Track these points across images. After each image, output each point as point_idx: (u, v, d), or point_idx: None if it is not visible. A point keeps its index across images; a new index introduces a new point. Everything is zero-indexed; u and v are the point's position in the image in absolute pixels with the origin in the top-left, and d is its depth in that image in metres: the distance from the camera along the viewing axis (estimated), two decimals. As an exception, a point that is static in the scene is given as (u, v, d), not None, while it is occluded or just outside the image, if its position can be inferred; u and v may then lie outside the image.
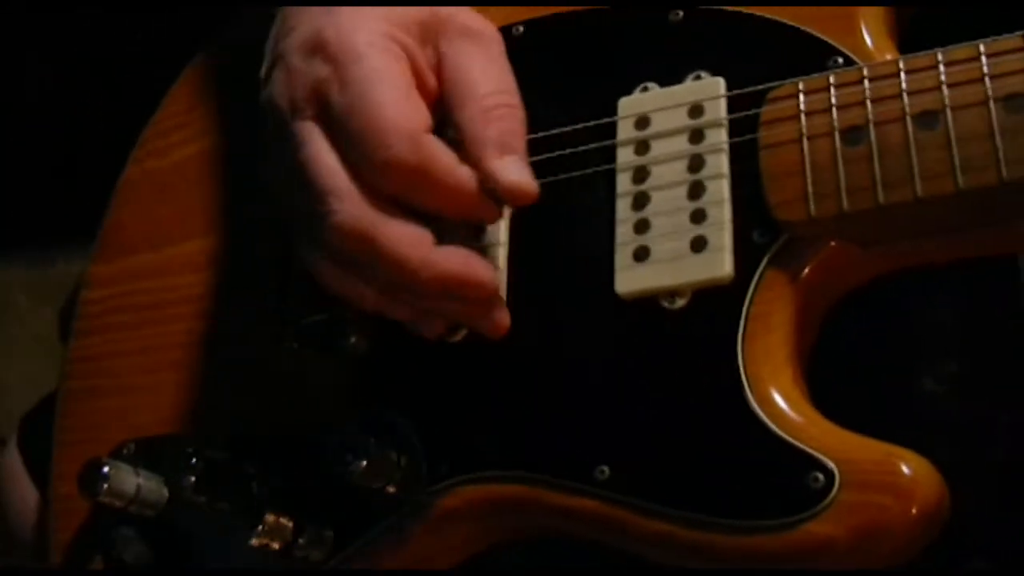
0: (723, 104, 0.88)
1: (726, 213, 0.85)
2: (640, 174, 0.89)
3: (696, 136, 0.88)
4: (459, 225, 0.90)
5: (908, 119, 0.81)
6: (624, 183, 0.89)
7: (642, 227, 0.87)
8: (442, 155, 0.87)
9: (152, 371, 1.03)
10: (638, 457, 0.83)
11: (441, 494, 0.88)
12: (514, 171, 0.87)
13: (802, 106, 0.85)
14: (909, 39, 0.88)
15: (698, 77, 0.90)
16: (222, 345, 1.01)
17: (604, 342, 0.87)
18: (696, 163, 0.87)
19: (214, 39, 1.13)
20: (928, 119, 0.81)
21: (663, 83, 0.91)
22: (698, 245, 0.85)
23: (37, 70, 1.92)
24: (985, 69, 0.80)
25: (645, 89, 0.92)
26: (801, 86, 0.85)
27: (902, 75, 0.82)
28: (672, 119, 0.89)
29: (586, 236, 0.90)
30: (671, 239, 0.86)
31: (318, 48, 0.89)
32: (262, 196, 0.96)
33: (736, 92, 0.88)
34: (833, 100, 0.84)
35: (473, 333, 0.90)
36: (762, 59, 0.88)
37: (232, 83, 1.09)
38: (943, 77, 0.81)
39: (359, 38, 0.88)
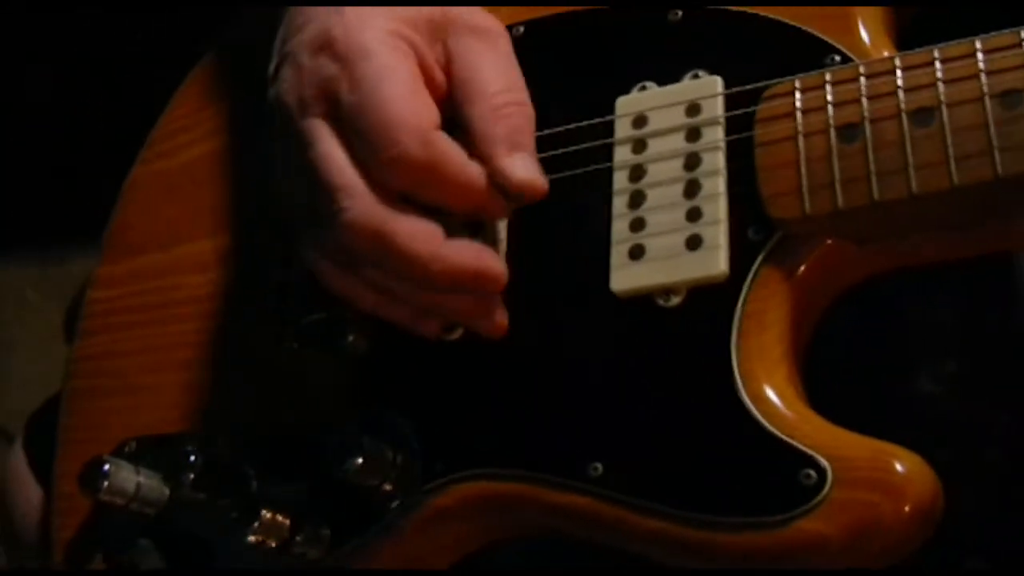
0: (720, 102, 0.88)
1: (721, 211, 0.85)
2: (637, 172, 0.89)
3: (693, 134, 0.88)
4: (459, 223, 0.90)
5: (904, 115, 0.81)
6: (621, 181, 0.89)
7: (638, 225, 0.87)
8: (451, 152, 0.87)
9: (156, 371, 1.03)
10: (631, 454, 0.83)
11: (434, 493, 0.88)
12: (524, 168, 0.87)
13: (798, 103, 0.84)
14: (910, 38, 0.88)
15: (696, 76, 0.90)
16: (225, 345, 1.02)
17: (600, 339, 0.87)
18: (692, 161, 0.87)
19: (216, 39, 1.13)
20: (924, 115, 0.80)
21: (661, 82, 0.91)
22: (693, 243, 0.85)
23: (42, 70, 1.93)
24: (981, 65, 0.80)
25: (643, 88, 0.92)
26: (797, 83, 0.85)
27: (898, 72, 0.82)
28: (669, 117, 0.89)
29: (583, 234, 0.90)
30: (666, 237, 0.86)
31: (326, 46, 0.89)
32: (268, 196, 0.96)
33: (733, 90, 0.87)
34: (829, 97, 0.83)
35: (470, 332, 0.90)
36: (760, 58, 0.88)
37: (240, 83, 1.09)
38: (939, 74, 0.81)
39: (367, 36, 0.88)
